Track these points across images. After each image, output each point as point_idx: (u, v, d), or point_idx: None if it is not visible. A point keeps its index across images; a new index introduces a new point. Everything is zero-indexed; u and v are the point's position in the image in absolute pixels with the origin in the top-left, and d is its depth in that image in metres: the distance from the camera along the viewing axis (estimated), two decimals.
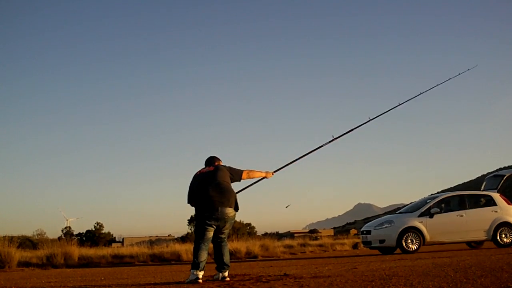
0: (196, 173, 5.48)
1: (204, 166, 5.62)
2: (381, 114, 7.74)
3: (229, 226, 5.35)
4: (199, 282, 4.95)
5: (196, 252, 5.09)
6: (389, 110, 7.91)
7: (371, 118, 7.47)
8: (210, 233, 5.20)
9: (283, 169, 6.31)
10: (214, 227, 5.21)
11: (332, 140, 6.94)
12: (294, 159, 6.54)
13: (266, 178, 6.00)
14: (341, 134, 7.08)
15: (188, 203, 5.37)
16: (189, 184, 5.45)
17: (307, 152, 6.71)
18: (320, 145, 6.84)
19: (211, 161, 5.62)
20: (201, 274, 5.02)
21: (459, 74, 9.53)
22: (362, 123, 7.40)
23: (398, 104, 8.01)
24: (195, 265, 5.02)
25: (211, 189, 5.21)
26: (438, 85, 8.98)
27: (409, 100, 8.30)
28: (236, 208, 5.32)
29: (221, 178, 5.33)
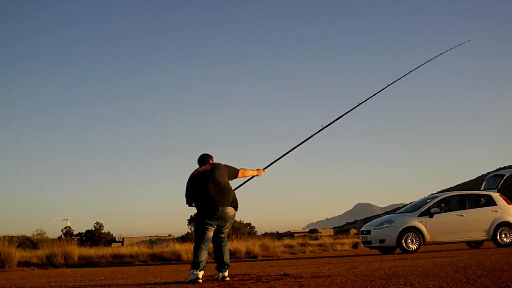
0: (193, 173, 5.46)
1: (198, 165, 5.61)
2: (370, 97, 7.46)
3: (229, 226, 5.35)
4: (199, 282, 4.95)
5: (196, 251, 5.09)
6: (378, 93, 7.60)
7: (359, 102, 7.24)
8: (211, 233, 5.20)
9: (275, 164, 6.28)
10: (215, 226, 5.21)
11: (322, 129, 6.76)
12: (284, 153, 6.46)
13: (258, 176, 6.01)
14: (330, 122, 6.88)
15: (187, 204, 5.36)
16: (186, 185, 5.45)
17: (297, 144, 6.59)
18: (310, 135, 6.68)
19: (206, 159, 5.58)
20: (201, 274, 5.02)
21: (450, 49, 9.09)
22: (350, 108, 7.17)
23: (387, 86, 7.72)
24: (195, 265, 5.02)
25: (211, 188, 5.19)
26: (427, 61, 8.64)
27: (399, 79, 7.96)
28: (236, 207, 5.32)
29: (220, 177, 5.32)
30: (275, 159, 6.36)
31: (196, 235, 5.20)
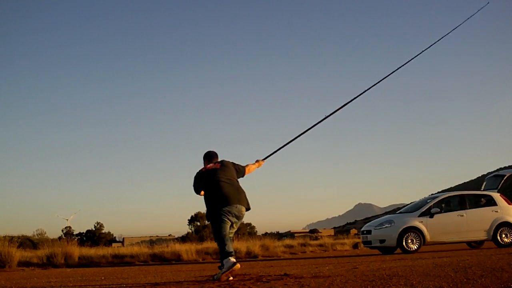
0: (201, 170, 5.43)
1: (204, 161, 5.56)
2: (377, 83, 7.03)
3: (238, 225, 5.38)
4: (238, 264, 4.90)
5: (225, 243, 4.99)
6: (385, 78, 7.11)
7: (365, 89, 6.84)
8: (228, 228, 5.20)
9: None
10: (230, 222, 5.21)
11: (324, 119, 6.45)
12: (284, 144, 6.24)
13: (259, 167, 5.96)
14: (334, 110, 6.52)
15: (196, 192, 5.35)
16: (193, 180, 5.41)
17: (298, 135, 6.36)
18: (312, 125, 6.40)
19: (214, 156, 5.57)
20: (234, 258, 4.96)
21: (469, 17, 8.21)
22: (355, 96, 6.76)
23: (396, 68, 7.22)
24: (229, 253, 4.90)
25: (225, 186, 5.22)
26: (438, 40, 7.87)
27: (408, 62, 7.38)
28: (249, 208, 5.36)
29: (231, 176, 5.35)
30: (275, 149, 6.20)
31: (218, 231, 5.12)
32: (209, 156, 5.58)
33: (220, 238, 5.10)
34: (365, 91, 6.90)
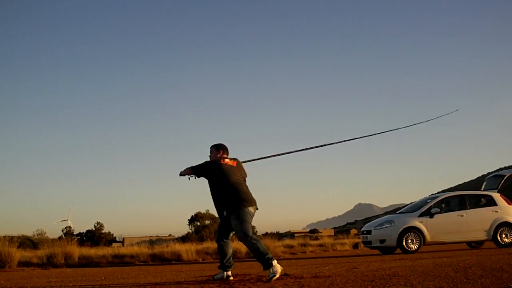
0: (221, 161, 5.24)
1: (217, 151, 5.41)
2: (356, 138, 7.36)
3: None
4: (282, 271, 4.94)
5: (263, 246, 4.98)
6: (368, 136, 7.41)
7: (351, 138, 7.22)
8: None
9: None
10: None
11: (308, 149, 6.59)
12: (268, 155, 6.27)
13: None
14: (319, 145, 6.77)
15: (194, 173, 5.21)
16: (204, 163, 5.28)
17: (281, 153, 6.43)
18: (297, 149, 6.56)
19: (227, 151, 5.45)
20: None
21: (437, 117, 9.11)
22: (337, 141, 6.91)
23: (370, 134, 7.53)
24: (272, 257, 4.92)
25: (244, 186, 5.23)
26: (412, 125, 8.68)
27: (386, 132, 7.99)
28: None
29: (243, 176, 5.35)
30: (256, 158, 6.16)
31: (247, 232, 4.96)
32: (224, 149, 5.42)
33: (254, 239, 4.97)
34: (355, 138, 7.22)
